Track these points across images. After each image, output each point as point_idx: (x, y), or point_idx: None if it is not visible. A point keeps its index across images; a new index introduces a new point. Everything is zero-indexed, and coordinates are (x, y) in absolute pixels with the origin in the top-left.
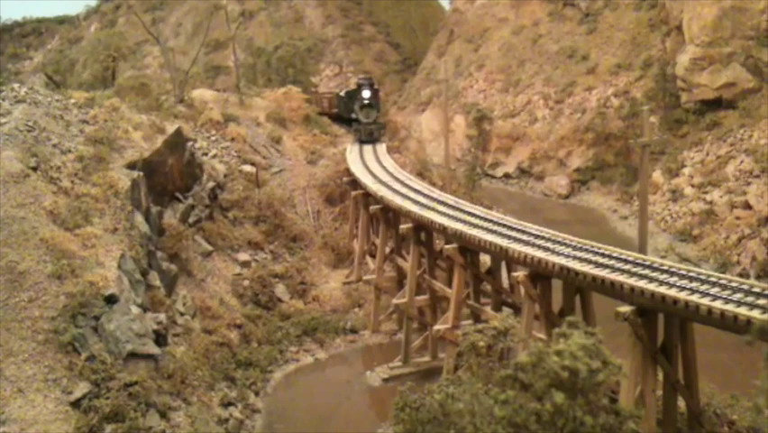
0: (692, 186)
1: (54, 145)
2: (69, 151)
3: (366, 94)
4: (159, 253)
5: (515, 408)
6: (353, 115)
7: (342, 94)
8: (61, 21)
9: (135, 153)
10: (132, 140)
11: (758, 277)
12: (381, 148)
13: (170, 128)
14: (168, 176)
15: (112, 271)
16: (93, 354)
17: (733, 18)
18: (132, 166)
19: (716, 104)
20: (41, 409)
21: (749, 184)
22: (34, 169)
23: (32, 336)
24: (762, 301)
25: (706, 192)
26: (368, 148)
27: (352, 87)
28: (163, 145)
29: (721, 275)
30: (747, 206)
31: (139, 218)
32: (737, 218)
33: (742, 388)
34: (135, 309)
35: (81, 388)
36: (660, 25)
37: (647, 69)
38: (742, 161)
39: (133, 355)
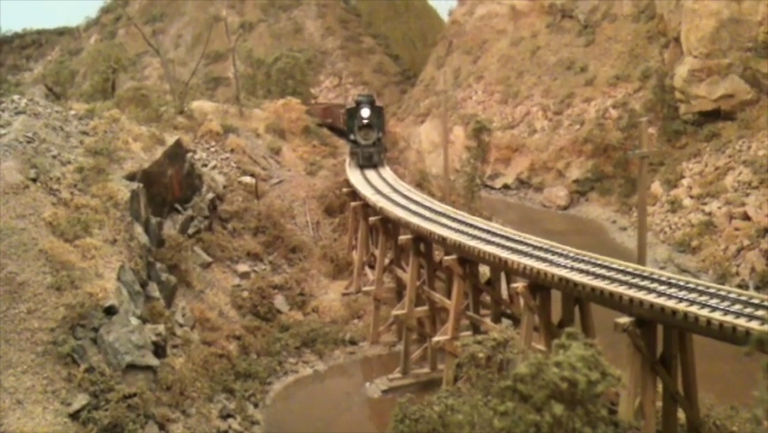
0: (691, 197)
1: (54, 156)
2: (69, 162)
3: (365, 113)
4: (158, 265)
5: (514, 419)
6: (351, 136)
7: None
8: (61, 32)
9: (135, 164)
10: (132, 151)
11: (757, 288)
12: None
13: (170, 139)
14: (167, 187)
15: (111, 282)
16: (92, 365)
17: (731, 30)
18: (131, 177)
19: (714, 115)
20: (40, 420)
21: (748, 195)
22: (34, 180)
23: (31, 348)
24: (760, 312)
25: (705, 203)
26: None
27: (352, 104)
28: (163, 156)
29: (720, 286)
30: (746, 217)
31: (138, 229)
32: (736, 229)
33: (741, 399)
34: (134, 321)
35: (80, 399)
36: (658, 37)
37: (646, 81)
38: (740, 173)
39: (132, 367)
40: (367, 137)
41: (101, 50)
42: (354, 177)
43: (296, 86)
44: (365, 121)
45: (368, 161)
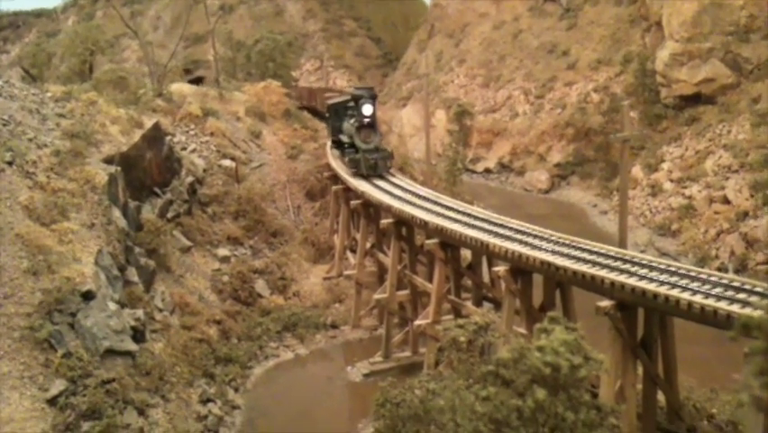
0: (671, 181)
1: (30, 140)
2: (46, 145)
3: (367, 110)
4: (137, 249)
5: (496, 404)
6: (343, 138)
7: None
8: (39, 14)
9: (113, 148)
10: (110, 134)
11: (736, 271)
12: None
13: (148, 122)
14: (146, 171)
15: (89, 266)
16: (69, 350)
17: (712, 14)
18: (109, 160)
19: (695, 99)
20: (17, 406)
21: (728, 179)
22: (10, 163)
23: (8, 333)
24: (741, 296)
25: (685, 187)
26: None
27: (340, 98)
28: (141, 140)
29: (700, 269)
30: (726, 200)
31: (116, 213)
32: (716, 213)
33: (721, 381)
34: (112, 306)
35: (57, 385)
36: (640, 21)
37: (627, 65)
38: (720, 156)
39: (111, 352)
40: (368, 140)
41: (78, 31)
42: (336, 161)
43: (276, 68)
44: (367, 120)
45: (372, 170)
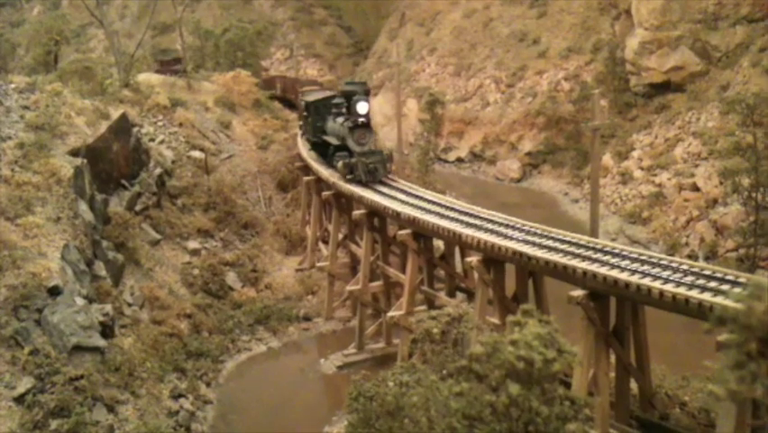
0: (641, 169)
1: None
2: (9, 138)
3: (362, 108)
4: (104, 243)
5: (469, 400)
6: (329, 139)
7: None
8: (2, 3)
9: (78, 140)
10: (75, 126)
11: (706, 258)
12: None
13: (115, 113)
14: (113, 163)
15: (55, 261)
16: (36, 347)
17: (681, 2)
18: (75, 153)
19: (664, 87)
20: None
21: (697, 166)
22: None
23: None
24: (712, 284)
25: (655, 175)
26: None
27: (321, 93)
28: (108, 131)
29: (671, 258)
30: (695, 188)
31: (83, 207)
32: (685, 200)
33: (691, 368)
34: (80, 301)
35: (25, 383)
36: (609, 9)
37: (597, 53)
38: (690, 144)
39: (79, 348)
40: (363, 141)
41: (43, 21)
42: (307, 152)
43: (245, 58)
44: (362, 119)
45: (371, 176)
